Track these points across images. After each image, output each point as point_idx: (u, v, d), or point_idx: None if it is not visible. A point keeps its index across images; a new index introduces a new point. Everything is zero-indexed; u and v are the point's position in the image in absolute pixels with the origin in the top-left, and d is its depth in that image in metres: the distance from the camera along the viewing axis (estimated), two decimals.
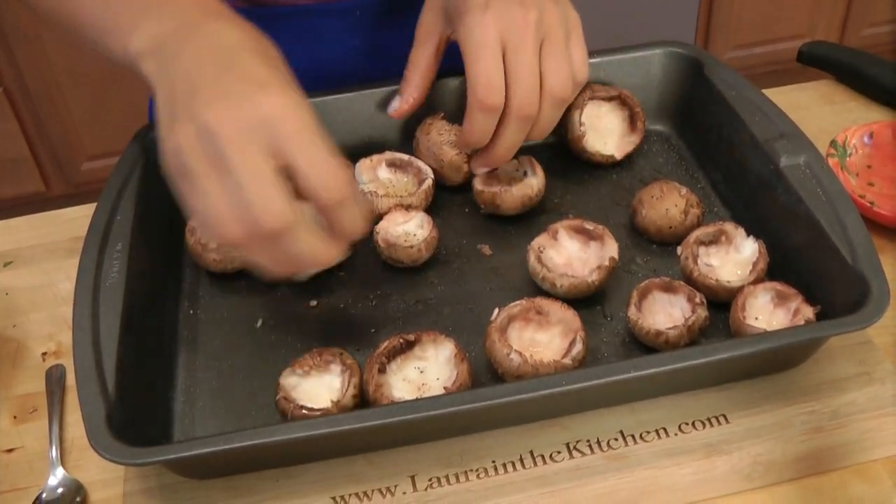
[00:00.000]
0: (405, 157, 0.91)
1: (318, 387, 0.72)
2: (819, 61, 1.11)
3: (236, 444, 0.62)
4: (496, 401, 0.63)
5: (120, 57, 0.72)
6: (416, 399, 0.66)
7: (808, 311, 0.72)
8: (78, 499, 0.71)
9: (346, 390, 0.70)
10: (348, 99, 0.93)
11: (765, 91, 0.97)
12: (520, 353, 0.70)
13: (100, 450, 0.62)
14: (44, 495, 0.71)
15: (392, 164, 0.91)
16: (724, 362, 0.66)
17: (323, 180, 0.61)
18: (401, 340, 0.73)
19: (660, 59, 0.96)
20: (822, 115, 1.04)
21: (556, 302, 0.75)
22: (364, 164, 0.90)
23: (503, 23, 0.76)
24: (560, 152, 0.95)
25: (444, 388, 0.69)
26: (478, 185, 0.87)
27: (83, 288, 0.73)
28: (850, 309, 0.68)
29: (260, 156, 0.60)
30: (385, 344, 0.72)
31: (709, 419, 0.71)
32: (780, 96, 1.03)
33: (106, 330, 0.70)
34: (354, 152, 0.92)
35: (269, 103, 0.61)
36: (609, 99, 0.93)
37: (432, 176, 0.89)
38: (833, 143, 0.94)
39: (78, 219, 0.98)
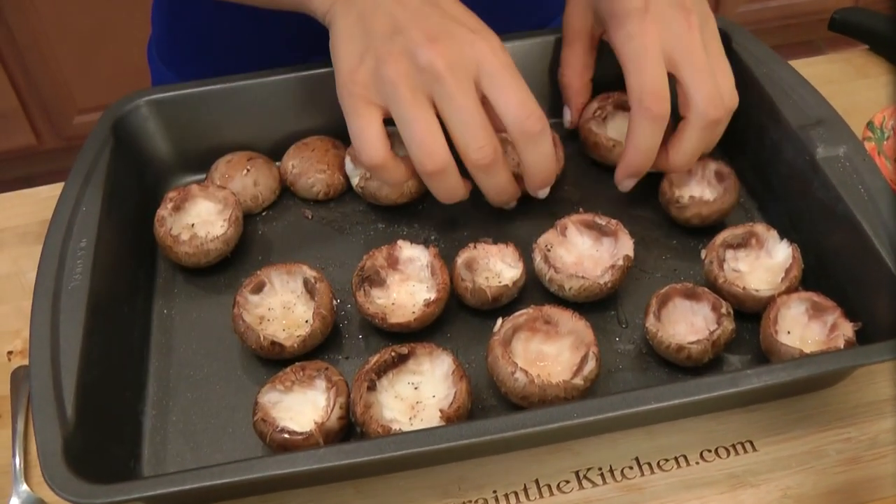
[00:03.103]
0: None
1: (301, 404, 0.66)
2: (853, 29, 1.02)
3: (204, 484, 0.56)
4: (495, 436, 0.57)
5: None
6: (408, 432, 0.59)
7: (847, 328, 0.65)
8: None
9: (332, 411, 0.63)
10: None
11: (792, 62, 0.89)
12: (525, 373, 0.63)
13: (55, 488, 0.56)
14: None
15: None
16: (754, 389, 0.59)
17: (522, 113, 0.69)
18: (393, 354, 0.66)
19: None
20: (855, 90, 0.96)
21: (567, 310, 0.68)
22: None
23: (665, 28, 0.72)
24: (571, 133, 0.87)
25: (440, 410, 0.62)
26: None
27: (41, 293, 0.66)
28: (894, 327, 0.61)
29: (473, 94, 0.69)
30: (375, 358, 0.65)
31: (734, 446, 0.65)
32: (808, 68, 0.94)
33: (66, 343, 0.63)
34: None
35: (479, 46, 0.69)
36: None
37: None
38: (870, 125, 0.86)
39: (51, 199, 0.90)
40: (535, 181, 0.75)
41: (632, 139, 0.73)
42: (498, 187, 0.73)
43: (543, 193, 0.77)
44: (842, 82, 0.97)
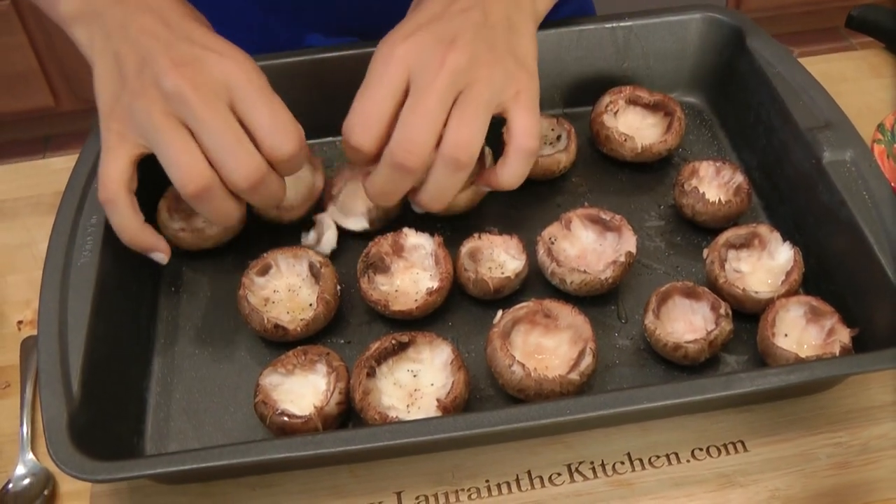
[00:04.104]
0: None
1: (302, 386, 0.67)
2: (870, 27, 1.01)
3: (202, 465, 0.57)
4: (488, 429, 0.58)
5: (55, 19, 0.73)
6: (403, 422, 0.60)
7: (844, 334, 0.65)
8: (46, 492, 0.67)
9: (332, 396, 0.64)
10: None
11: (807, 59, 0.89)
12: (522, 366, 0.64)
13: (60, 463, 0.57)
14: (10, 486, 0.67)
15: None
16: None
17: (280, 137, 0.66)
18: (393, 341, 0.67)
19: (697, 24, 0.87)
20: (868, 89, 0.96)
21: (567, 305, 0.68)
22: None
23: (416, 57, 0.66)
24: (583, 125, 0.87)
25: (438, 399, 0.63)
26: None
27: (51, 269, 0.68)
28: (891, 336, 0.62)
29: (226, 115, 0.66)
30: (376, 345, 0.66)
31: (725, 445, 0.65)
32: (823, 65, 0.95)
33: (74, 319, 0.65)
34: None
35: (228, 68, 0.66)
36: (653, 106, 0.85)
37: None
38: (880, 128, 0.86)
39: (64, 170, 0.91)
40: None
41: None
42: (272, 199, 0.70)
43: (210, 231, 0.77)
44: (856, 81, 0.96)
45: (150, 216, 0.77)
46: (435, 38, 0.67)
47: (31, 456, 0.69)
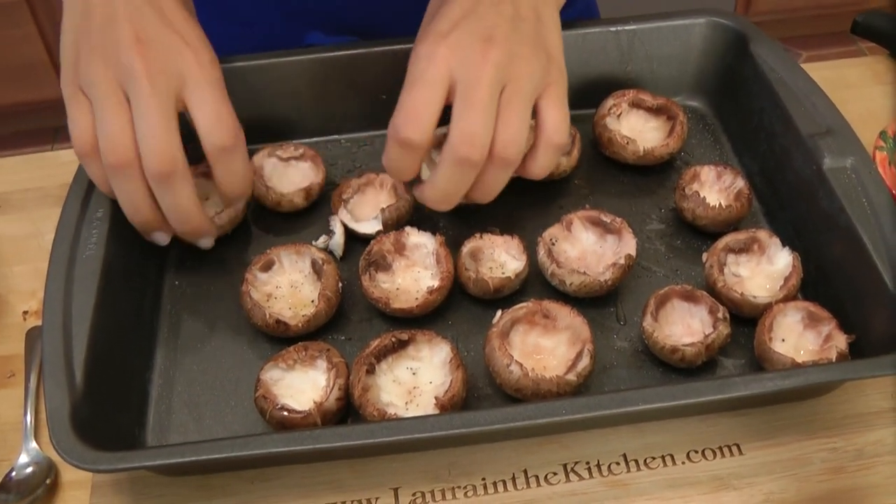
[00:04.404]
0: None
1: (302, 382, 0.68)
2: (875, 34, 1.02)
3: (202, 457, 0.58)
4: (485, 428, 0.58)
5: None
6: (400, 419, 0.61)
7: (841, 340, 0.66)
8: (48, 480, 0.67)
9: (331, 392, 0.65)
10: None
11: (810, 65, 0.90)
12: (520, 366, 0.64)
13: (62, 453, 0.58)
14: (13, 474, 0.68)
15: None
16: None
17: (215, 127, 0.68)
18: (393, 339, 0.67)
19: (701, 29, 0.87)
20: (871, 95, 0.96)
21: (566, 306, 0.69)
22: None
23: (458, 56, 0.67)
24: (586, 128, 0.88)
25: (436, 397, 0.64)
26: None
27: (57, 261, 0.68)
28: (887, 343, 0.62)
29: (166, 102, 0.66)
30: (376, 342, 0.67)
31: (720, 448, 0.66)
32: (827, 71, 0.95)
33: (78, 311, 0.66)
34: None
35: (186, 58, 0.68)
36: (656, 110, 0.86)
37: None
38: (882, 135, 0.86)
39: (72, 163, 0.91)
40: (225, 196, 0.75)
41: (384, 154, 0.70)
42: (177, 207, 0.69)
43: (219, 220, 0.77)
44: (859, 87, 0.97)
45: None
46: (473, 35, 0.67)
47: (34, 445, 0.69)
